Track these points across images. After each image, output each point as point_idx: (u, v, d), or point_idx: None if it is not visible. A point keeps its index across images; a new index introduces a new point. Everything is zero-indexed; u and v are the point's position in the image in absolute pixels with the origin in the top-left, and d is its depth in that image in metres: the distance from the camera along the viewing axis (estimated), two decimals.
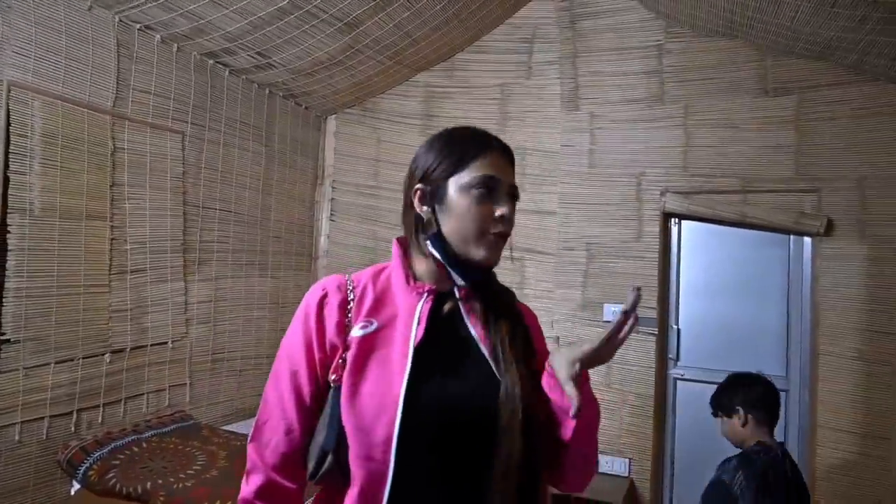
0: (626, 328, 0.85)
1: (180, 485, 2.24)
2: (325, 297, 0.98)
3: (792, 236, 3.23)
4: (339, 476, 0.90)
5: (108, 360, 2.67)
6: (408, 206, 1.02)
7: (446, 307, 0.99)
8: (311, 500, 1.01)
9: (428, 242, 0.97)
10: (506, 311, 1.00)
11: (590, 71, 3.55)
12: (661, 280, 3.36)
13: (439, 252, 0.96)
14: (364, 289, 0.99)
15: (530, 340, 1.00)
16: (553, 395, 0.92)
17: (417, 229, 1.00)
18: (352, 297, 0.98)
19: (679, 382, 3.41)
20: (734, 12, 2.96)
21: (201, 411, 3.20)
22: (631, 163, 3.42)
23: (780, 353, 3.23)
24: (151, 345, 2.89)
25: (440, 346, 0.95)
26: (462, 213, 0.94)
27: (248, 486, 0.95)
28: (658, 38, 3.41)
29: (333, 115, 4.16)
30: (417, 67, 3.86)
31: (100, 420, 2.64)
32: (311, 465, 0.92)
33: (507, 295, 1.05)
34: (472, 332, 0.97)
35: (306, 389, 0.95)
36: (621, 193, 3.43)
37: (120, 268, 2.73)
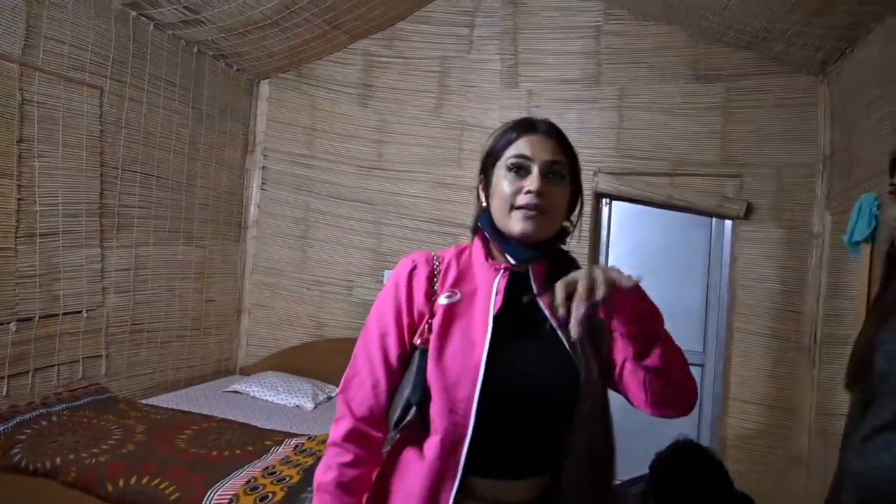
0: None
1: (93, 460, 2.13)
2: (414, 268, 1.08)
3: (714, 219, 3.37)
4: (420, 427, 0.99)
5: (13, 329, 2.49)
6: (477, 197, 1.14)
7: (525, 297, 1.00)
8: (389, 445, 1.09)
9: (479, 224, 1.10)
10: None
11: (529, 48, 3.55)
12: (591, 259, 3.44)
13: (488, 231, 1.07)
14: (448, 263, 1.10)
15: (603, 323, 1.02)
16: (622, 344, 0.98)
17: (479, 217, 1.11)
18: (437, 270, 1.08)
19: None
20: None
21: (119, 384, 3.05)
22: None
23: (698, 330, 3.39)
24: (64, 313, 2.72)
25: (518, 320, 1.02)
26: (498, 192, 1.04)
27: (337, 431, 1.04)
28: (597, 19, 3.44)
29: (266, 80, 4.00)
30: (356, 34, 3.75)
31: (4, 392, 2.47)
32: (395, 415, 1.02)
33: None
34: (546, 311, 1.03)
35: (393, 351, 1.05)
36: None
37: (28, 230, 2.54)
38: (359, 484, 1.03)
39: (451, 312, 1.02)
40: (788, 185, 3.12)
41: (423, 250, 1.13)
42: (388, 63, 3.81)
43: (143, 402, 2.97)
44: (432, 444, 0.97)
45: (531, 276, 1.07)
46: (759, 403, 3.14)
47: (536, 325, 1.04)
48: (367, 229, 3.79)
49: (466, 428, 0.94)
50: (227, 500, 1.95)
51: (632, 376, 1.01)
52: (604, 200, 3.55)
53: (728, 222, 3.33)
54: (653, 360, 0.95)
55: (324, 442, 1.89)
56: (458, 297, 1.04)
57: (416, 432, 1.01)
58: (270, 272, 3.96)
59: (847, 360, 1.30)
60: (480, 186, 1.13)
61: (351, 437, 1.03)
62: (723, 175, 3.23)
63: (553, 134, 1.07)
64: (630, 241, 3.56)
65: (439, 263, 1.09)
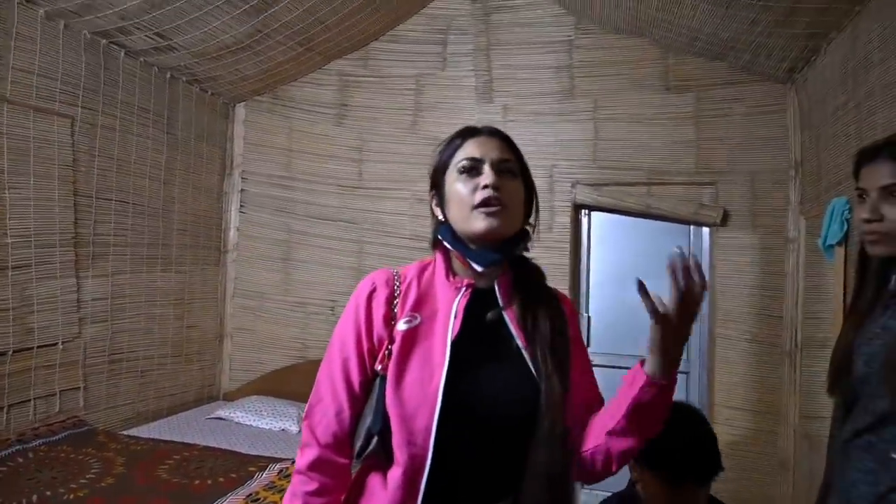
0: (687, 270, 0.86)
1: (71, 495, 2.08)
2: (374, 290, 1.05)
3: (692, 226, 3.41)
4: (383, 456, 0.99)
5: None
6: (432, 212, 1.12)
7: (489, 315, 1.02)
8: (355, 470, 1.08)
9: (440, 237, 1.07)
10: (544, 306, 1.04)
11: (503, 64, 3.58)
12: (572, 270, 3.45)
13: (448, 241, 1.05)
14: (409, 284, 1.07)
15: (567, 341, 1.04)
16: (623, 388, 0.94)
17: (437, 231, 1.10)
18: (398, 291, 1.05)
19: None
20: (639, 10, 3.07)
21: (98, 416, 2.99)
22: (543, 155, 3.49)
23: None
24: (38, 346, 2.67)
25: (479, 341, 1.01)
26: (453, 194, 1.04)
27: (303, 459, 1.03)
28: (568, 33, 3.49)
29: (242, 103, 3.99)
30: (330, 55, 3.76)
31: None
32: (357, 445, 1.01)
33: (544, 293, 1.08)
34: (511, 328, 1.03)
35: (355, 377, 1.03)
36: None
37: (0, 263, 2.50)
38: None
39: (410, 338, 1.00)
40: (762, 191, 3.16)
41: (385, 269, 1.10)
42: (364, 82, 3.82)
43: (124, 433, 2.91)
44: (394, 475, 0.96)
45: (497, 289, 1.05)
46: (743, 409, 3.15)
47: (501, 343, 1.02)
48: (348, 248, 3.78)
49: (425, 459, 0.93)
50: None
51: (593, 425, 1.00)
52: (583, 211, 3.58)
53: (705, 229, 3.37)
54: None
55: None
56: (417, 321, 1.02)
57: (380, 461, 1.00)
58: (252, 295, 3.93)
59: (827, 363, 1.32)
60: (433, 202, 1.11)
61: (316, 465, 1.02)
62: (698, 183, 3.27)
63: (497, 134, 1.08)
64: (610, 250, 3.58)
65: (400, 283, 1.07)
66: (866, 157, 1.19)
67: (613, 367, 3.35)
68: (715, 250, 3.28)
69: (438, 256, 1.10)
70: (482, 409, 0.97)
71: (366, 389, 1.03)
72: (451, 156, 1.06)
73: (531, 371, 0.99)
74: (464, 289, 1.04)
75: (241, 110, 4.00)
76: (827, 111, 2.65)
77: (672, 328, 0.87)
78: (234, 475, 2.34)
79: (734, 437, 3.14)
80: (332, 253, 3.80)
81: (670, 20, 3.01)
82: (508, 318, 1.03)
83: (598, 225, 3.61)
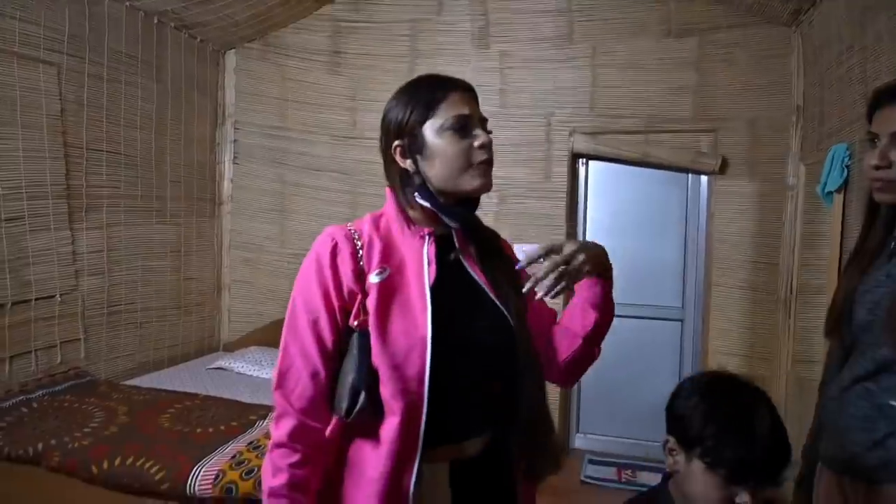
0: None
1: (76, 444, 2.12)
2: (336, 246, 1.02)
3: (690, 175, 3.38)
4: (372, 412, 0.96)
5: None
6: (389, 162, 1.08)
7: (451, 255, 1.07)
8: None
9: (416, 194, 1.04)
10: (498, 254, 1.12)
11: (500, 8, 3.47)
12: (569, 219, 3.44)
13: (428, 201, 1.04)
14: (370, 237, 1.05)
15: (518, 277, 1.08)
16: (581, 289, 1.11)
17: (404, 183, 1.06)
18: (360, 245, 1.03)
19: None
20: None
21: (99, 367, 3.02)
22: (540, 103, 3.43)
23: (677, 286, 3.43)
24: (37, 299, 2.67)
25: (452, 287, 1.04)
26: (445, 154, 1.01)
27: (280, 430, 0.99)
28: None
29: (233, 50, 3.88)
30: None
31: None
32: (344, 405, 0.97)
33: (495, 239, 1.17)
34: (473, 274, 1.07)
35: (328, 336, 1.00)
36: (531, 134, 3.44)
37: None
38: (309, 481, 1.00)
39: (385, 289, 1.00)
40: (762, 138, 3.12)
41: (338, 226, 1.07)
42: (357, 28, 3.71)
43: (125, 383, 2.95)
44: (390, 427, 0.95)
45: (454, 235, 1.09)
46: (737, 355, 3.20)
47: (469, 285, 1.07)
48: (343, 199, 3.75)
49: (422, 404, 0.94)
50: (212, 476, 1.95)
51: (563, 334, 1.13)
52: (580, 160, 3.54)
53: (704, 178, 3.34)
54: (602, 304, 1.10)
55: None
56: (387, 272, 1.02)
57: (368, 418, 0.98)
58: (249, 247, 3.92)
59: (824, 309, 1.32)
60: (398, 151, 1.05)
61: (296, 434, 0.98)
62: (697, 130, 3.23)
63: (471, 89, 1.07)
64: (607, 200, 3.56)
65: (359, 237, 1.05)
66: (881, 100, 1.14)
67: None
68: (713, 198, 3.27)
69: (393, 207, 1.09)
70: (467, 349, 1.01)
71: (339, 347, 1.01)
72: (433, 110, 1.02)
73: (500, 309, 1.04)
74: (428, 237, 1.05)
75: (231, 58, 3.89)
76: (832, 55, 2.59)
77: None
78: (235, 423, 2.38)
79: None
80: (327, 204, 3.77)
81: None
82: (467, 262, 1.08)
83: (595, 173, 3.57)
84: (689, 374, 3.40)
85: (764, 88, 3.10)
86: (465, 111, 1.02)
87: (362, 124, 3.69)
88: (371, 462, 0.97)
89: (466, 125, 1.02)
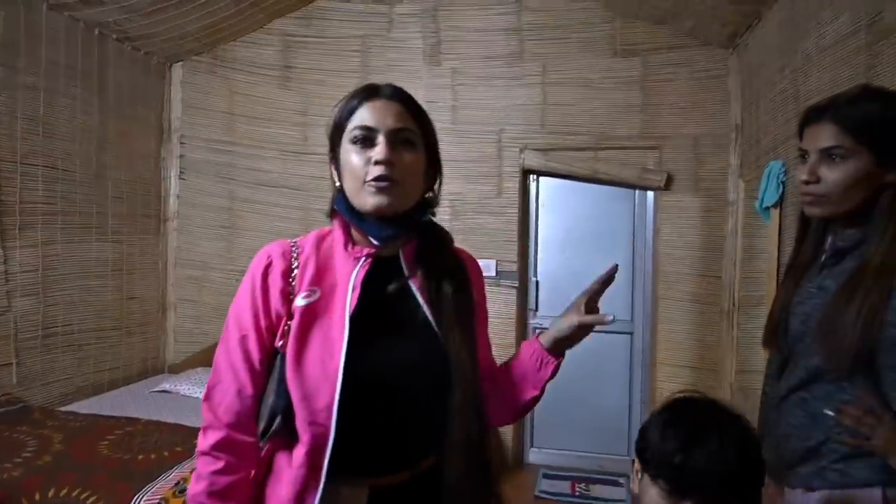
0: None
1: (6, 475, 1.99)
2: (269, 265, 1.00)
3: (637, 191, 3.47)
4: (287, 435, 0.96)
5: None
6: (331, 176, 1.05)
7: (391, 286, 1.01)
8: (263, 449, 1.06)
9: (335, 206, 1.02)
10: (450, 274, 1.03)
11: (451, 26, 3.51)
12: (520, 235, 3.48)
13: (344, 212, 1.00)
14: (308, 256, 1.01)
15: (472, 309, 1.04)
16: (531, 361, 1.06)
17: (334, 196, 1.03)
18: (295, 264, 1.00)
19: (539, 332, 3.60)
20: None
21: (34, 393, 2.87)
22: (492, 120, 3.47)
23: (626, 299, 3.50)
24: None
25: (382, 313, 0.98)
26: (346, 167, 0.97)
27: (206, 440, 0.98)
28: None
29: (179, 63, 3.79)
30: (272, 13, 3.61)
31: None
32: (261, 425, 0.98)
33: (448, 253, 1.08)
34: (418, 297, 1.00)
35: (255, 354, 0.98)
36: (483, 150, 3.48)
37: None
38: (233, 490, 0.98)
39: (309, 314, 0.96)
40: (704, 155, 3.24)
41: (281, 241, 1.04)
42: (308, 43, 3.69)
43: (62, 409, 2.80)
44: (297, 454, 0.94)
45: (401, 257, 1.02)
46: (685, 366, 3.28)
47: (406, 313, 1.00)
48: (295, 216, 3.69)
49: (327, 437, 0.91)
50: None
51: (522, 380, 1.08)
52: (531, 177, 3.59)
53: (650, 193, 3.43)
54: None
55: None
56: (316, 295, 0.97)
57: (285, 440, 0.97)
58: (196, 265, 3.81)
59: (763, 321, 1.36)
60: (332, 165, 1.04)
61: (220, 445, 0.97)
62: (643, 147, 3.32)
63: (399, 98, 0.99)
64: (558, 215, 3.61)
65: (298, 255, 1.01)
66: (810, 117, 1.19)
67: None
68: (658, 213, 3.36)
69: (337, 225, 1.04)
70: (386, 382, 0.95)
71: (266, 367, 0.99)
72: (348, 118, 0.98)
73: (439, 341, 0.98)
74: (363, 259, 0.99)
75: (178, 70, 3.80)
76: (766, 76, 2.71)
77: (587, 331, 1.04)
78: (179, 448, 2.29)
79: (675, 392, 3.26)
80: (278, 220, 3.71)
81: None
82: (414, 286, 1.01)
83: (546, 189, 3.63)
84: (640, 386, 3.48)
85: (705, 107, 3.23)
86: (370, 122, 0.96)
87: (314, 139, 3.65)
88: (284, 481, 0.96)
89: (369, 137, 0.96)
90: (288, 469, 0.96)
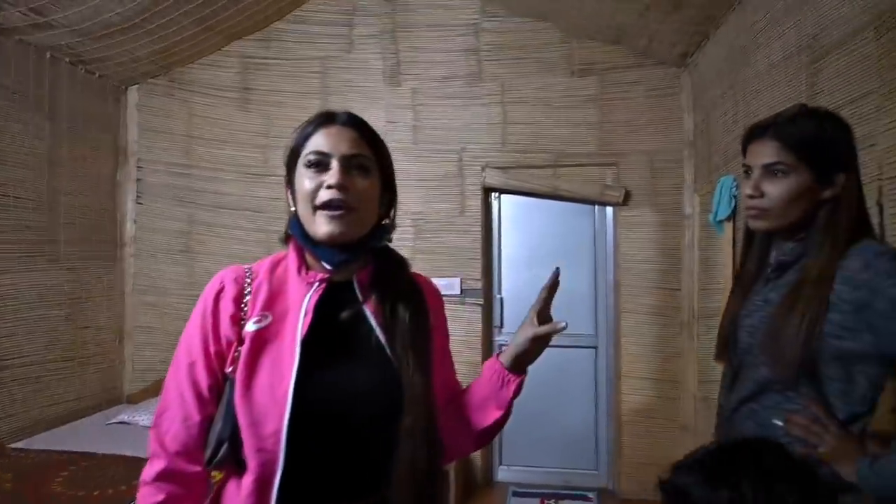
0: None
1: None
2: (221, 290, 0.99)
3: (596, 206, 3.53)
4: (234, 464, 0.94)
5: None
6: (287, 200, 1.05)
7: (344, 313, 0.99)
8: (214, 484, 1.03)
9: (290, 231, 1.01)
10: (405, 298, 1.02)
11: (410, 47, 3.55)
12: (484, 252, 3.50)
13: (299, 237, 0.99)
14: (261, 281, 1.00)
15: (428, 333, 1.02)
16: (493, 381, 1.05)
17: (289, 220, 1.02)
18: (248, 290, 0.99)
19: (499, 351, 3.62)
20: None
21: None
22: (453, 139, 3.50)
23: (589, 314, 3.54)
24: None
25: (335, 338, 0.97)
26: (299, 189, 0.97)
27: (150, 470, 0.96)
28: (475, 17, 3.50)
29: (135, 86, 3.74)
30: (230, 35, 3.59)
31: None
32: (208, 453, 0.95)
33: (404, 278, 1.07)
34: (372, 322, 0.99)
35: (203, 381, 0.96)
36: (444, 169, 3.50)
37: None
38: None
39: (259, 339, 0.95)
40: (660, 170, 3.32)
41: (236, 266, 1.04)
42: (267, 65, 3.68)
43: (13, 446, 2.69)
44: (245, 483, 0.91)
45: (355, 282, 1.02)
46: (648, 378, 3.32)
47: (360, 338, 0.99)
48: (255, 238, 3.64)
49: (276, 465, 0.89)
50: None
51: (484, 404, 1.06)
52: (493, 194, 3.62)
53: (609, 209, 3.50)
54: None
55: None
56: (268, 320, 0.96)
57: (233, 469, 0.95)
58: (155, 291, 3.72)
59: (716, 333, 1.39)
60: (287, 189, 1.03)
61: (165, 475, 0.95)
62: (601, 164, 3.39)
63: (354, 125, 1.00)
64: (520, 232, 3.65)
65: (251, 281, 1.00)
66: (753, 134, 1.23)
67: None
68: (618, 228, 3.42)
69: (291, 249, 1.03)
70: (338, 409, 0.93)
71: (216, 394, 0.97)
72: (303, 143, 0.99)
73: (393, 366, 0.96)
74: (316, 284, 0.99)
75: (133, 94, 3.74)
76: (715, 94, 2.80)
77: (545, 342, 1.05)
78: (136, 482, 2.21)
79: (640, 405, 3.31)
80: (238, 243, 3.66)
81: (572, 4, 3.08)
82: (368, 311, 1.00)
83: (508, 207, 3.66)
84: (606, 399, 3.49)
85: (659, 124, 3.32)
86: (324, 148, 0.96)
87: (275, 161, 3.62)
88: None
89: (323, 162, 0.96)
90: (236, 499, 0.93)
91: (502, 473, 3.60)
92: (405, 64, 3.56)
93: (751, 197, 1.21)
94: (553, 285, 1.06)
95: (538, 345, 1.04)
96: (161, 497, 0.94)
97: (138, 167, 3.74)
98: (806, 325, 1.07)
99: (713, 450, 0.87)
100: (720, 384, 1.43)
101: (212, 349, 0.97)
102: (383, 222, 1.06)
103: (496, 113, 3.49)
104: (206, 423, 0.97)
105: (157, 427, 0.98)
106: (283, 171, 3.15)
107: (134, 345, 3.72)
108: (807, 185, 1.15)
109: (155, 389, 3.55)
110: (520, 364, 1.05)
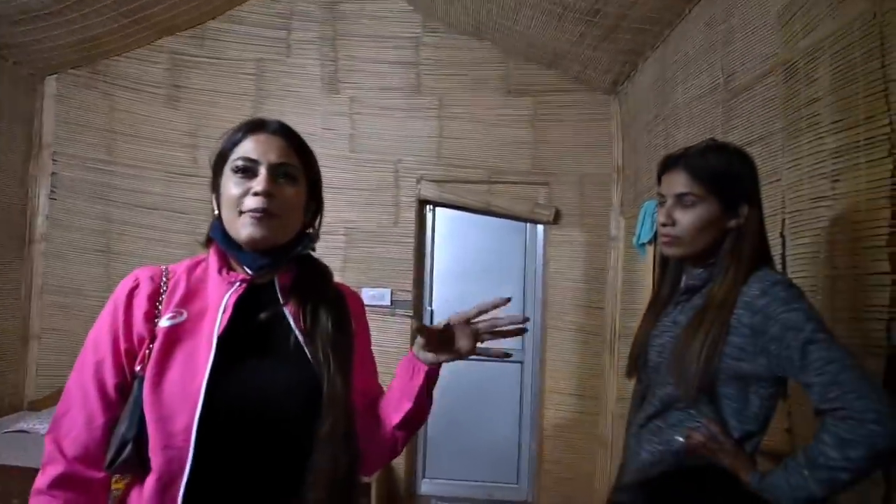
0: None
1: None
2: (136, 287, 0.98)
3: (528, 224, 3.60)
4: (138, 466, 0.90)
5: None
6: (211, 203, 1.05)
7: (263, 314, 0.98)
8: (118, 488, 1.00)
9: (211, 234, 1.01)
10: (327, 302, 1.02)
11: (349, 55, 3.53)
12: (416, 264, 3.50)
13: (220, 241, 0.99)
14: (178, 280, 1.00)
15: (350, 336, 1.02)
16: (404, 373, 1.03)
17: (212, 223, 1.03)
18: (164, 288, 0.98)
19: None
20: (481, 14, 3.17)
21: None
22: (389, 150, 3.50)
23: None
24: None
25: (253, 337, 0.96)
26: (225, 193, 0.98)
27: (43, 477, 0.92)
28: (415, 31, 3.52)
29: (54, 75, 3.53)
30: (161, 30, 3.46)
31: None
32: (109, 455, 0.91)
33: (326, 285, 1.07)
34: (291, 322, 0.99)
35: (110, 381, 0.94)
36: (380, 179, 3.49)
37: None
38: None
39: (173, 335, 0.93)
40: (589, 192, 3.43)
41: (152, 266, 1.02)
42: (200, 63, 3.57)
43: None
44: (149, 484, 0.88)
45: (276, 285, 1.02)
46: (571, 394, 3.41)
47: (278, 339, 0.98)
48: (180, 240, 3.50)
49: (184, 463, 0.86)
50: None
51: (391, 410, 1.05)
52: (427, 207, 3.64)
53: (540, 227, 3.58)
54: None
55: None
56: (183, 317, 0.95)
57: (135, 472, 0.92)
58: (66, 292, 3.51)
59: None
60: (213, 194, 1.04)
61: (61, 482, 0.91)
62: (534, 183, 3.47)
63: (284, 134, 1.02)
64: (453, 246, 3.68)
65: (168, 279, 0.99)
66: (667, 165, 1.30)
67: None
68: (548, 247, 3.50)
69: (213, 251, 1.03)
70: (252, 407, 0.91)
71: (123, 394, 0.94)
72: (231, 149, 1.00)
73: (312, 368, 0.95)
74: (237, 284, 0.98)
75: (51, 83, 3.53)
76: (642, 122, 2.93)
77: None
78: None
79: (561, 420, 3.38)
80: (160, 245, 3.51)
81: (510, 26, 3.14)
82: (288, 313, 1.00)
83: (442, 220, 3.69)
84: (530, 414, 3.55)
85: (589, 148, 3.43)
86: (253, 155, 0.97)
87: (204, 161, 3.50)
88: None
89: (251, 168, 0.97)
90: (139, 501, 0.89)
91: (425, 486, 3.59)
92: (344, 72, 3.54)
93: (664, 225, 1.27)
94: (492, 308, 1.05)
95: (436, 338, 1.02)
96: None
97: (53, 160, 3.52)
98: (707, 346, 1.13)
99: (658, 474, 0.97)
100: (630, 401, 1.48)
101: (122, 347, 0.94)
102: (308, 231, 1.07)
103: (433, 126, 3.51)
104: (111, 426, 0.93)
105: (54, 430, 0.94)
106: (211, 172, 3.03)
107: (39, 347, 3.49)
108: (715, 214, 1.22)
109: (59, 396, 3.34)
110: (429, 358, 1.03)
